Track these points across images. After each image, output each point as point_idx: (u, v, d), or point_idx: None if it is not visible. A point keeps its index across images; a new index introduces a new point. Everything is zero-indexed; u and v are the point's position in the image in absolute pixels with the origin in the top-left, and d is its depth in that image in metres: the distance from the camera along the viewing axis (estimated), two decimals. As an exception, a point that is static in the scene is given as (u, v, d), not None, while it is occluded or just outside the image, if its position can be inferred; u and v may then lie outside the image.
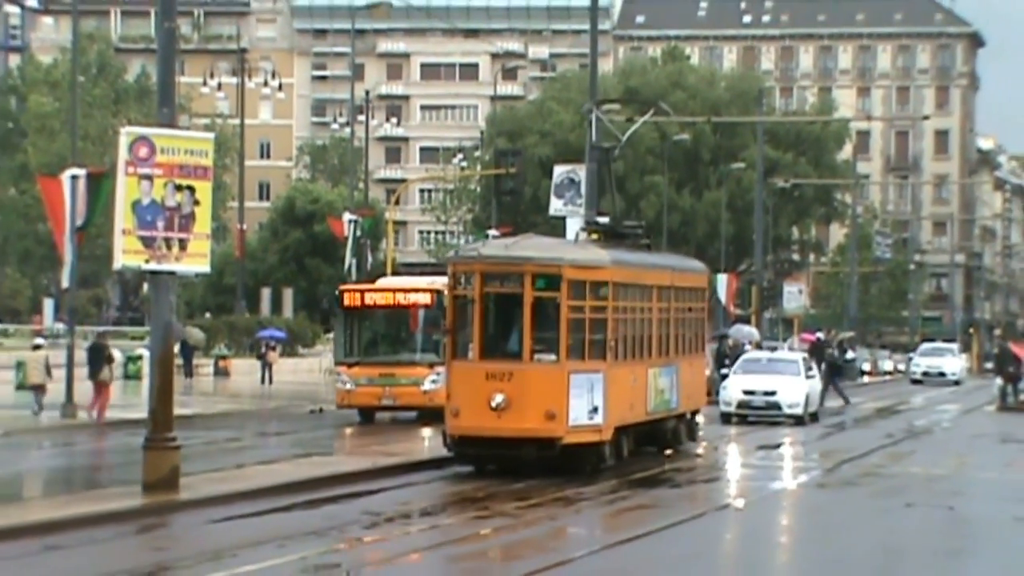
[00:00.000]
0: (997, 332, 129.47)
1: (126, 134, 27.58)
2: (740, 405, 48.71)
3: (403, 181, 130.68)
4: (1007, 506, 29.53)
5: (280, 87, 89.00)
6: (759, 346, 69.56)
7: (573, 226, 48.71)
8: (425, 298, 44.31)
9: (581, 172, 51.82)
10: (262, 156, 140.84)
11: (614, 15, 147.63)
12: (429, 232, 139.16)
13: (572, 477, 31.19)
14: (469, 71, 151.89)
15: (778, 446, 41.98)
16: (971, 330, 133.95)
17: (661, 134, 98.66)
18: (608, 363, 32.42)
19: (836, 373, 65.37)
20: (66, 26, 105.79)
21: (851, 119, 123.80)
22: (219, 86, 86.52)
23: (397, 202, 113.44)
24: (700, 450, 39.87)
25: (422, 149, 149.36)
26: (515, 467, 31.49)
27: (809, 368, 51.70)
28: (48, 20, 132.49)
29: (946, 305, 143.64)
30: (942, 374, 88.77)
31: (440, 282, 40.08)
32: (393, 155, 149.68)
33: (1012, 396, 62.85)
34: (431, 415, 40.91)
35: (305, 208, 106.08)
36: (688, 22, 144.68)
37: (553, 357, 31.41)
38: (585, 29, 59.83)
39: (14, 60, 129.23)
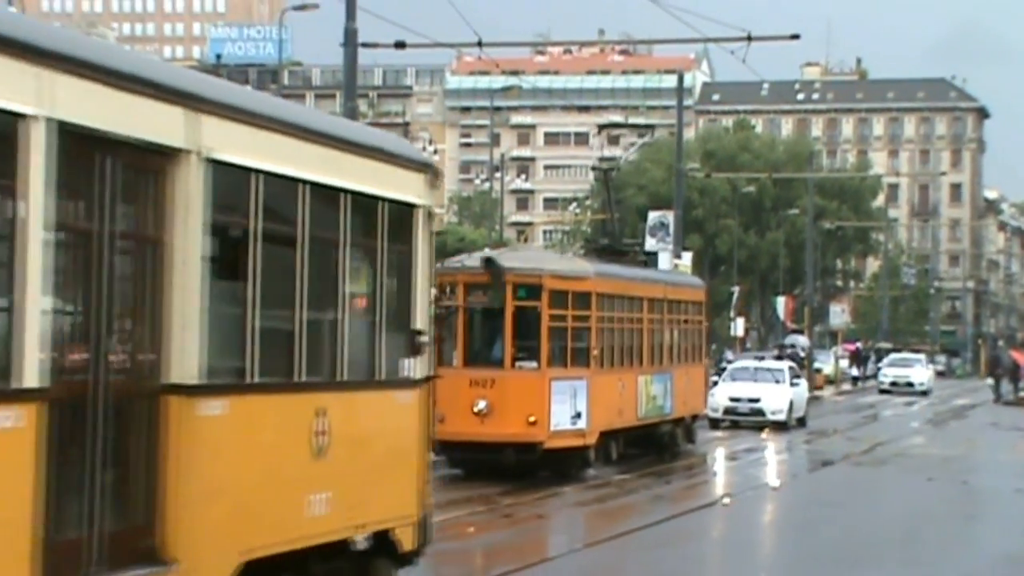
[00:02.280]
0: (1000, 343, 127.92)
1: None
2: (726, 411, 42.68)
3: (530, 224, 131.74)
4: (1011, 480, 28.96)
5: (435, 151, 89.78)
6: (810, 353, 69.26)
7: (664, 260, 48.84)
8: None
9: (670, 216, 52.07)
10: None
11: (695, 94, 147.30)
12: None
13: (558, 480, 26.67)
14: (581, 138, 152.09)
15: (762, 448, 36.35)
16: (980, 341, 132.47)
17: (732, 187, 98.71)
18: (592, 370, 27.41)
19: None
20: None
21: (883, 175, 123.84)
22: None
23: (526, 240, 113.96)
24: (694, 451, 34.37)
25: (545, 199, 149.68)
26: (503, 471, 26.28)
27: (795, 376, 44.97)
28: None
29: (959, 322, 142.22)
30: (910, 384, 72.31)
31: None
32: (522, 204, 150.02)
33: (1012, 393, 63.15)
34: None
35: (454, 245, 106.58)
36: (753, 99, 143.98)
37: (534, 364, 26.32)
38: (673, 105, 59.86)
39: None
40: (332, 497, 11.09)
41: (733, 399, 42.55)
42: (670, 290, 33.58)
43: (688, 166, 65.02)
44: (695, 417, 35.34)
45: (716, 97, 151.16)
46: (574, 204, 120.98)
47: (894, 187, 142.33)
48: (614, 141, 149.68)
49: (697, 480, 30.57)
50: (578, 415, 26.89)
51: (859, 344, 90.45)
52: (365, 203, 11.65)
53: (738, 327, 77.61)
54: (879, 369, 77.19)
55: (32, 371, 7.93)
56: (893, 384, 72.27)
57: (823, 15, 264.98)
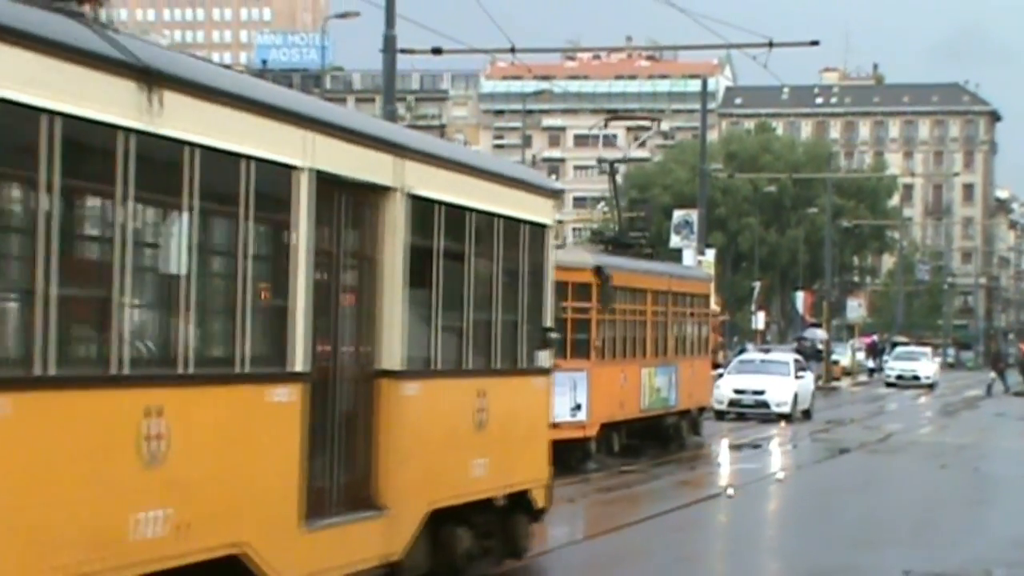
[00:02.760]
0: (1010, 336, 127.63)
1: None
2: (731, 403, 40.64)
3: (561, 222, 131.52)
4: (1019, 468, 28.94)
5: (473, 151, 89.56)
6: (828, 345, 69.09)
7: (688, 256, 48.83)
8: None
9: (694, 215, 52.10)
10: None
11: (719, 98, 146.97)
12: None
13: (558, 471, 23.42)
14: (609, 140, 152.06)
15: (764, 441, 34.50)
16: (990, 334, 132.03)
17: (754, 186, 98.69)
18: (592, 362, 25.90)
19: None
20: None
21: (898, 176, 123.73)
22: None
23: (556, 237, 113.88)
24: (700, 443, 32.75)
25: (575, 198, 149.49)
26: None
27: (801, 369, 42.86)
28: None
29: (971, 316, 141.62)
30: (916, 377, 68.48)
31: None
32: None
33: (1002, 386, 63.84)
34: None
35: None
36: (774, 103, 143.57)
37: None
38: (697, 108, 59.88)
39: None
40: (489, 462, 13.35)
41: (738, 391, 40.77)
42: (675, 283, 31.79)
43: (711, 167, 64.94)
44: (702, 409, 33.79)
45: (738, 101, 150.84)
46: (602, 203, 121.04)
47: (909, 187, 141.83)
48: (640, 143, 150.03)
49: (703, 470, 28.94)
50: (578, 407, 25.42)
51: (875, 337, 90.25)
52: (512, 225, 13.98)
53: (759, 321, 77.51)
54: (886, 362, 76.80)
55: (300, 359, 10.22)
56: (899, 377, 68.98)
57: (841, 22, 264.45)
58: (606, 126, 33.79)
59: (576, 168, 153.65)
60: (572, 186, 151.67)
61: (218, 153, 9.23)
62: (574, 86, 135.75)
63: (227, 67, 14.12)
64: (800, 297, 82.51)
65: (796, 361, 43.52)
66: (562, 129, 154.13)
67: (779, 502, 23.93)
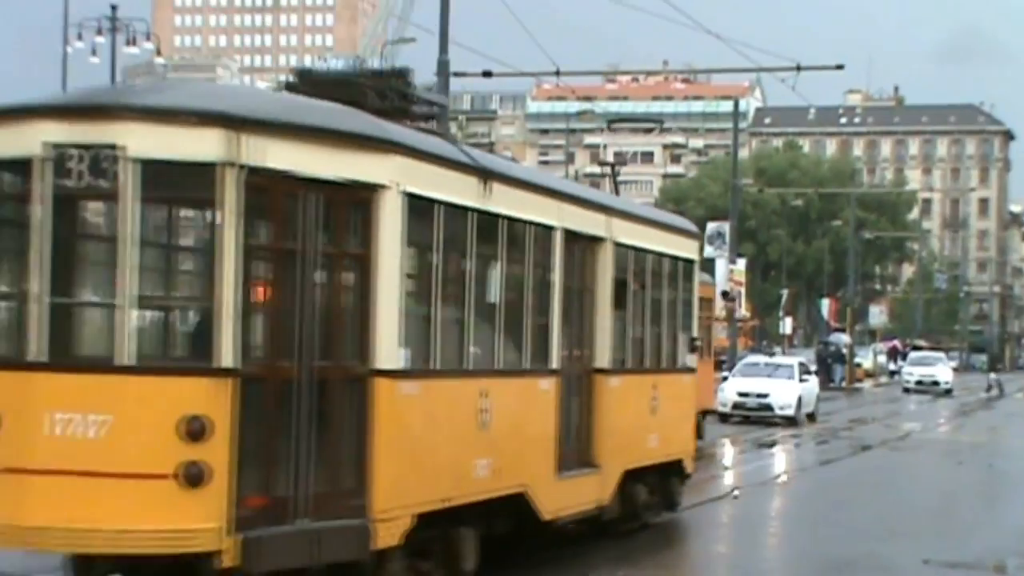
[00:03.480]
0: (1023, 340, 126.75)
1: None
2: (735, 406, 38.10)
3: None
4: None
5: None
6: (850, 348, 68.76)
7: (720, 266, 48.73)
8: None
9: (726, 227, 52.14)
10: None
11: (749, 117, 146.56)
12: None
13: None
14: (647, 156, 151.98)
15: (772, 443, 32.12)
16: (1005, 339, 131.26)
17: (782, 200, 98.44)
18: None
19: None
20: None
21: (918, 191, 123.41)
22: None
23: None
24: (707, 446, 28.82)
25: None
26: None
27: (805, 372, 40.54)
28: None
29: (986, 322, 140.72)
30: (936, 383, 63.59)
31: None
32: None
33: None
34: None
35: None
36: (801, 122, 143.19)
37: None
38: (729, 128, 59.74)
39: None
40: (659, 437, 16.81)
41: (741, 394, 38.27)
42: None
43: (743, 182, 64.62)
44: (705, 413, 30.75)
45: (768, 120, 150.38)
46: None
47: (928, 201, 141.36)
48: (676, 159, 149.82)
49: (707, 473, 24.92)
50: None
51: (896, 341, 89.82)
52: (673, 261, 17.61)
53: (786, 326, 77.39)
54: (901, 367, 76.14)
55: (555, 360, 13.68)
56: (919, 383, 64.23)
57: (864, 46, 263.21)
58: (609, 129, 31.08)
59: (617, 183, 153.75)
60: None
61: (518, 221, 12.95)
62: (614, 106, 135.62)
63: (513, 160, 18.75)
64: (825, 304, 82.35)
65: (800, 365, 41.28)
66: (603, 146, 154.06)
67: (794, 497, 23.03)
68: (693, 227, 19.22)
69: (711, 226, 53.88)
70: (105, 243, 9.88)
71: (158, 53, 49.52)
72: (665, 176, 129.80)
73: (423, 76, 22.97)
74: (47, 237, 9.64)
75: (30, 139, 9.63)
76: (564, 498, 13.91)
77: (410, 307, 11.02)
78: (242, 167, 9.72)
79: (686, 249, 18.13)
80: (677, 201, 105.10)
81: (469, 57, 29.62)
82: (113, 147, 9.50)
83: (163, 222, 10.46)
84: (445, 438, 11.50)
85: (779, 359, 44.19)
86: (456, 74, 28.42)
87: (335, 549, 10.20)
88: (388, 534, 10.52)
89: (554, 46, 28.55)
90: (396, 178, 10.73)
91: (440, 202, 11.45)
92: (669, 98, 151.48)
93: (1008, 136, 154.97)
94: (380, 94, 12.13)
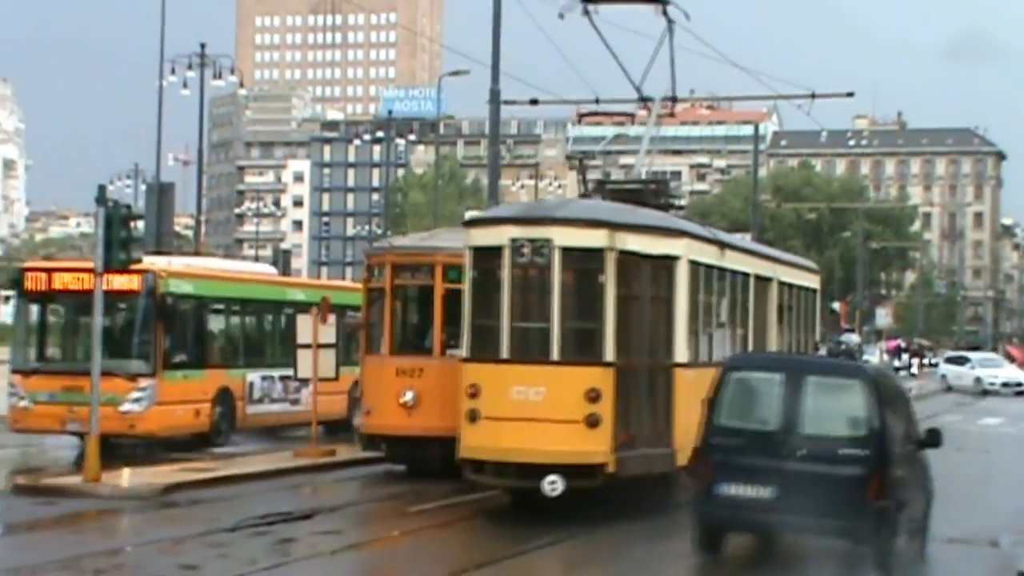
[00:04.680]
0: (1014, 340, 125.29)
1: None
2: None
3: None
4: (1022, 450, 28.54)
5: (559, 186, 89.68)
6: (860, 347, 68.41)
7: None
8: (131, 283, 21.23)
9: (747, 238, 51.82)
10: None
11: (767, 140, 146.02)
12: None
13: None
14: (675, 176, 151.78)
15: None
16: (997, 340, 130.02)
17: (797, 214, 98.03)
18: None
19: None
20: (431, 150, 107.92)
21: (919, 205, 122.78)
22: (522, 186, 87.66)
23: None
24: None
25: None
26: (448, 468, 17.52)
27: None
28: (420, 147, 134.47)
29: (981, 324, 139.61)
30: (1019, 383, 54.89)
31: (162, 263, 22.77)
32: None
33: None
34: (138, 445, 22.21)
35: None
36: (814, 144, 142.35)
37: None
38: (750, 149, 59.65)
39: (400, 172, 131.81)
40: None
41: None
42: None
43: (762, 198, 64.42)
44: None
45: (784, 143, 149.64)
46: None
47: (928, 215, 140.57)
48: (702, 178, 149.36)
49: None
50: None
51: (899, 341, 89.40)
52: (806, 290, 23.45)
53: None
54: (914, 363, 75.40)
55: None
56: (1004, 385, 55.03)
57: (871, 77, 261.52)
58: (580, 121, 26.93)
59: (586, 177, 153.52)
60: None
61: (735, 271, 19.10)
62: (645, 131, 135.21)
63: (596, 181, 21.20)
64: (838, 306, 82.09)
65: None
66: (636, 166, 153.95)
67: None
68: (816, 267, 26.15)
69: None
70: (542, 294, 15.54)
71: (241, 86, 50.16)
72: (692, 193, 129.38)
73: (474, 102, 23.25)
74: (507, 291, 15.64)
75: (501, 235, 15.84)
76: None
77: (690, 326, 16.99)
78: (616, 250, 15.72)
79: (812, 281, 24.81)
80: (703, 215, 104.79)
81: (517, 86, 29.72)
82: (547, 240, 15.54)
83: (573, 281, 15.71)
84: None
85: None
86: (506, 102, 28.48)
87: (658, 464, 16.16)
88: (683, 457, 15.18)
89: (594, 75, 28.61)
90: (684, 252, 16.85)
91: (703, 263, 17.65)
92: (695, 123, 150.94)
93: (1000, 156, 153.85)
94: (655, 195, 19.19)
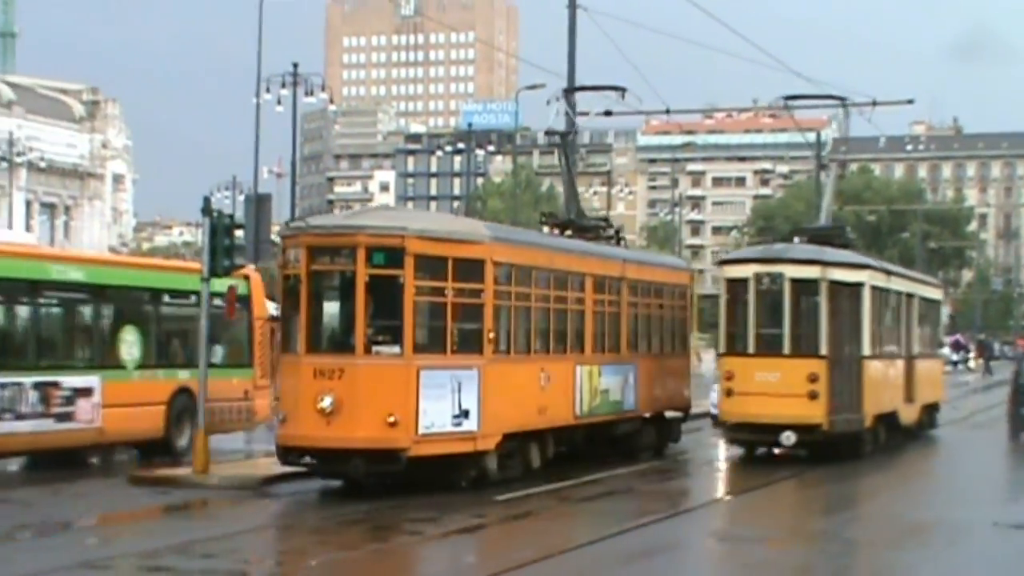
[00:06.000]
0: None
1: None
2: None
3: (701, 246, 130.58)
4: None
5: (630, 192, 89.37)
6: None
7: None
8: None
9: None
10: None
11: (828, 147, 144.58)
12: (717, 276, 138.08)
13: (442, 495, 15.98)
14: (741, 181, 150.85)
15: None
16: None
17: (858, 216, 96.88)
18: (487, 357, 16.50)
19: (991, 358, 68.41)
20: (509, 160, 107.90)
21: (975, 206, 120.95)
22: (595, 193, 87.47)
23: (695, 255, 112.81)
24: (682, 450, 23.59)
25: (713, 227, 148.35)
26: (411, 484, 16.06)
27: None
28: (498, 157, 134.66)
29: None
30: None
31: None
32: (695, 231, 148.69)
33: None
34: None
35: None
36: (873, 150, 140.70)
37: (396, 350, 15.65)
38: (811, 155, 59.05)
39: (480, 180, 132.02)
40: (924, 391, 26.73)
41: None
42: (634, 269, 21.92)
43: (823, 200, 63.73)
44: (687, 413, 24.07)
45: (844, 149, 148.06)
46: (735, 231, 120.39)
47: (983, 216, 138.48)
48: (765, 183, 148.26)
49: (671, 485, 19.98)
50: (464, 413, 16.22)
51: (959, 336, 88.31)
52: (933, 302, 27.75)
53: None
54: (970, 358, 75.24)
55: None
56: None
57: (928, 84, 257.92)
58: (568, 97, 25.11)
59: (714, 203, 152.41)
60: (711, 218, 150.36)
61: (895, 291, 24.15)
62: (712, 139, 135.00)
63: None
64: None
65: None
66: (703, 173, 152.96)
67: (862, 473, 20.90)
68: (939, 282, 29.92)
69: (798, 239, 53.16)
70: (776, 309, 21.20)
71: (331, 102, 50.68)
72: (755, 197, 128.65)
73: (550, 115, 23.15)
74: (752, 307, 21.44)
75: (748, 270, 21.49)
76: (908, 415, 25.45)
77: (872, 330, 22.48)
78: (827, 280, 21.40)
79: (938, 294, 29.82)
80: (767, 219, 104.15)
81: (590, 97, 29.56)
82: (780, 274, 21.24)
83: (797, 301, 21.30)
84: (889, 384, 23.91)
85: None
86: (581, 113, 28.35)
87: (854, 425, 21.74)
88: (868, 421, 22.14)
89: (661, 85, 28.39)
90: (868, 279, 22.55)
91: (878, 286, 23.14)
92: (759, 131, 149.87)
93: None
94: (837, 236, 24.23)
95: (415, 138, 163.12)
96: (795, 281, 21.11)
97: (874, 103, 28.38)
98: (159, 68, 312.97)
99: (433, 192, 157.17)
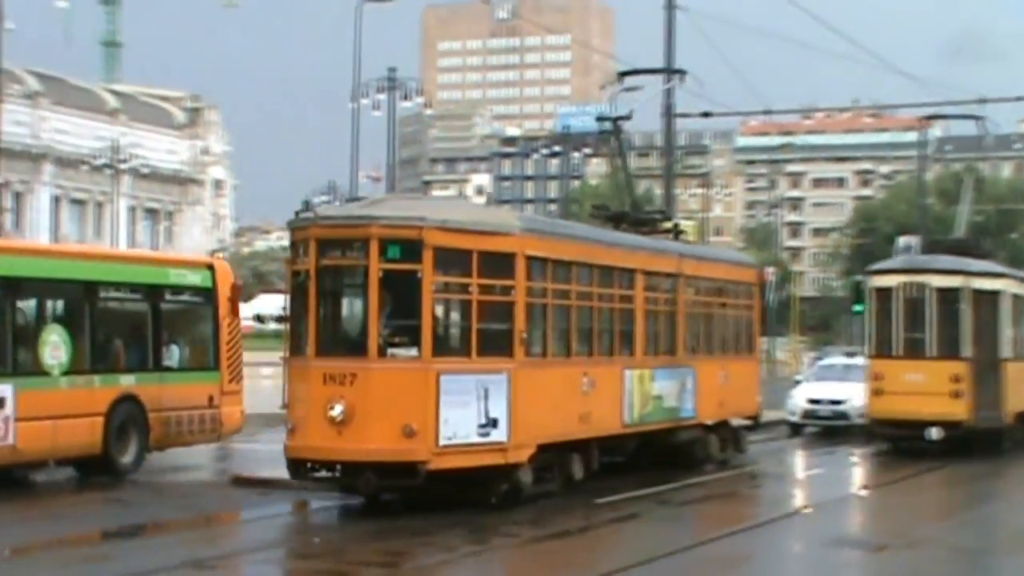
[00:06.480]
0: None
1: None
2: (806, 415, 28.11)
3: (801, 249, 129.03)
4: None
5: (729, 194, 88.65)
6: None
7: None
8: None
9: (913, 240, 50.81)
10: (715, 235, 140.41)
11: (930, 148, 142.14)
12: (817, 278, 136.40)
13: (477, 510, 14.62)
14: (841, 182, 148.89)
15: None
16: None
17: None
18: (518, 361, 14.84)
19: None
20: (604, 162, 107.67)
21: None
22: (692, 195, 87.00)
23: (794, 257, 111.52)
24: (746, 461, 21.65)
25: (813, 229, 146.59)
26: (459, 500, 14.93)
27: None
28: (594, 160, 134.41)
29: None
30: None
31: None
32: (794, 233, 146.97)
33: None
34: None
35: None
36: (976, 148, 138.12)
37: (413, 352, 14.16)
38: (914, 155, 58.15)
39: (575, 183, 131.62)
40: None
41: (812, 400, 28.14)
42: (692, 264, 19.88)
43: (927, 201, 62.65)
44: (755, 420, 22.44)
45: (948, 147, 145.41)
46: (835, 232, 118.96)
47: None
48: (866, 183, 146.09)
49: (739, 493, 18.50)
50: (492, 422, 14.60)
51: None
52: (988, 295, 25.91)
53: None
54: None
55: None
56: None
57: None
58: (621, 81, 23.27)
59: (814, 205, 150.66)
60: (811, 219, 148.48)
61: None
62: (811, 139, 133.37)
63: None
64: None
65: None
66: (803, 174, 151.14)
67: (874, 513, 17.41)
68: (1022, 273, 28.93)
69: (902, 240, 52.60)
70: (922, 316, 23.53)
71: (427, 106, 51.05)
72: (856, 198, 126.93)
73: (643, 116, 22.98)
74: (899, 314, 23.57)
75: (894, 280, 23.71)
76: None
77: (1013, 334, 24.48)
78: (969, 288, 23.39)
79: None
80: (868, 220, 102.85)
81: (686, 98, 29.32)
82: (925, 283, 23.34)
83: (942, 308, 23.31)
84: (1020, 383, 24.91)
85: (861, 359, 28.84)
86: (679, 115, 28.12)
87: (994, 423, 23.63)
88: (1007, 419, 24.12)
89: (761, 86, 28.07)
90: (1005, 287, 24.45)
91: (1013, 293, 24.91)
92: (859, 131, 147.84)
93: None
94: (973, 247, 25.92)
95: (511, 141, 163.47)
96: (940, 290, 23.23)
97: (983, 101, 27.97)
98: (259, 75, 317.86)
99: (529, 195, 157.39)
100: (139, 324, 18.27)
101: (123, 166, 74.88)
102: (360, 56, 41.26)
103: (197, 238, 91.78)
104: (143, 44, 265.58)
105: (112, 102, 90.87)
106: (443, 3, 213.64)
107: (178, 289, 18.90)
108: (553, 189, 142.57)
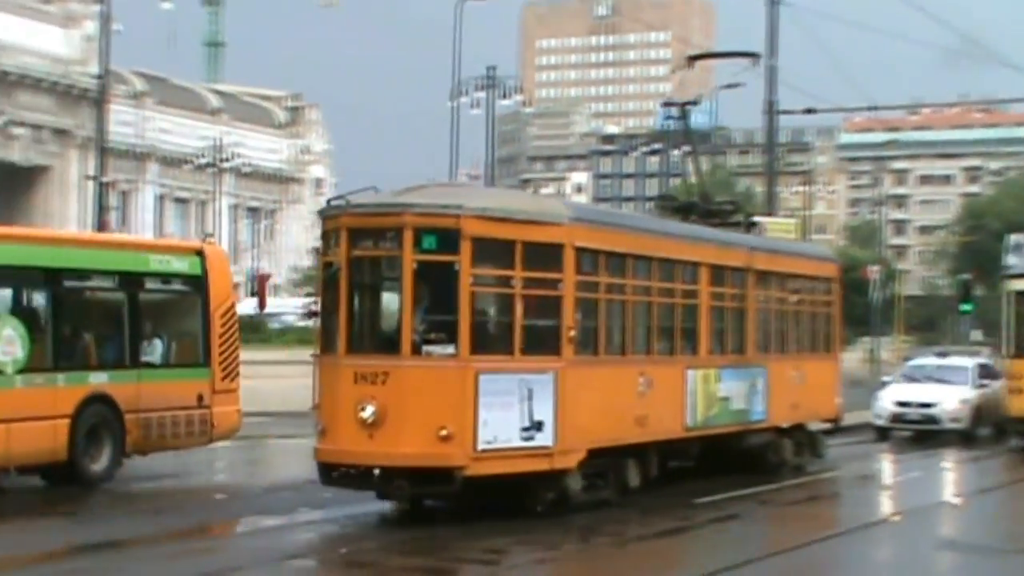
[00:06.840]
0: None
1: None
2: (894, 419, 26.61)
3: (907, 246, 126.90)
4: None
5: (832, 191, 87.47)
6: None
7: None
8: None
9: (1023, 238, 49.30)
10: (818, 233, 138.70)
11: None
12: (923, 277, 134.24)
13: (516, 517, 13.72)
14: (947, 178, 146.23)
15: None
16: None
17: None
18: (565, 359, 13.87)
19: None
20: (706, 160, 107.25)
21: None
22: (794, 192, 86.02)
23: (899, 255, 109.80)
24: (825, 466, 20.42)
25: (919, 227, 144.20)
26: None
27: (988, 376, 27.70)
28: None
29: None
30: None
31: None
32: (899, 231, 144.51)
33: None
34: None
35: (844, 267, 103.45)
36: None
37: (450, 350, 13.19)
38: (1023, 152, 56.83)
39: (675, 181, 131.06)
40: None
41: (901, 404, 26.67)
42: (764, 258, 18.64)
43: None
44: (835, 424, 21.43)
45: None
46: (942, 230, 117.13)
47: None
48: (974, 179, 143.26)
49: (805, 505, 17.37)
50: (537, 425, 13.58)
51: None
52: None
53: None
54: None
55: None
56: None
57: None
58: (691, 65, 22.40)
59: (920, 202, 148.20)
60: (916, 217, 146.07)
61: None
62: (917, 135, 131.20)
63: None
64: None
65: (981, 367, 28.55)
66: (908, 171, 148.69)
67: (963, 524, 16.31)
68: None
69: (1014, 237, 51.02)
70: None
71: (526, 104, 51.05)
72: (963, 195, 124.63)
73: (745, 113, 22.78)
74: None
75: None
76: None
77: None
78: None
79: None
80: (977, 217, 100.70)
81: (789, 94, 28.94)
82: None
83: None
84: None
85: (952, 360, 29.78)
86: (782, 112, 27.72)
87: None
88: None
89: (865, 82, 27.66)
90: None
91: None
92: (968, 127, 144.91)
93: None
94: None
95: (610, 139, 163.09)
96: None
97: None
98: (359, 73, 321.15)
99: (628, 193, 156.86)
100: (113, 316, 16.55)
101: (225, 165, 75.99)
102: (460, 54, 41.39)
103: (297, 236, 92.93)
104: (245, 44, 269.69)
105: (214, 102, 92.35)
106: (543, 1, 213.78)
107: (161, 277, 17.12)
108: (653, 187, 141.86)
